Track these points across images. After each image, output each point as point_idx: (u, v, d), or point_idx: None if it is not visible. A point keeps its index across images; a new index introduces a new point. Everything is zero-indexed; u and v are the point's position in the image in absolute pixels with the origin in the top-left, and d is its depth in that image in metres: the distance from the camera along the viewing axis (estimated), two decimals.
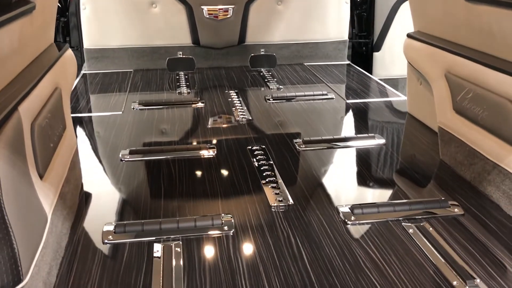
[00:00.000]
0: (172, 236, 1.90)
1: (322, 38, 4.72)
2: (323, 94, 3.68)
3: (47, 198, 1.77)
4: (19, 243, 1.39)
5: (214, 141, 2.84)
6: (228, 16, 4.40)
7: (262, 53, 4.50)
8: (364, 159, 2.67)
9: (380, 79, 4.32)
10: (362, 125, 3.20)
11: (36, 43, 2.26)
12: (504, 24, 2.07)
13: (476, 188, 2.28)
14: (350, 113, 3.42)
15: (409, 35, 3.07)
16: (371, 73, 4.75)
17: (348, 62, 4.79)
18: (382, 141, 2.83)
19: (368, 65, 5.03)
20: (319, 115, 3.34)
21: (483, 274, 1.69)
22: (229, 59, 4.58)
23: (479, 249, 1.84)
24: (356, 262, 1.76)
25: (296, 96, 3.65)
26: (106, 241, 1.89)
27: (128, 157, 2.62)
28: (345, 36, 4.78)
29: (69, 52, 2.69)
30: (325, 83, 4.00)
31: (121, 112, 3.34)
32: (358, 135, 2.89)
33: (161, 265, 1.74)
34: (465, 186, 2.33)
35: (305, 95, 3.65)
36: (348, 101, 3.61)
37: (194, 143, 2.84)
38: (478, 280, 1.65)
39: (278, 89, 3.88)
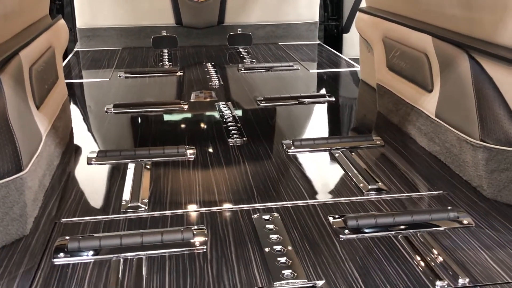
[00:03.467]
0: (145, 160, 2.35)
1: (295, 20, 5.17)
2: (289, 66, 4.13)
3: (42, 124, 2.22)
4: (20, 145, 1.83)
5: (188, 101, 3.29)
6: None
7: (239, 32, 4.95)
8: (312, 110, 3.12)
9: (350, 59, 4.77)
10: (319, 88, 3.65)
11: (34, 10, 2.72)
12: None
13: (401, 129, 2.73)
14: (310, 80, 3.88)
15: (359, 10, 3.52)
16: (341, 53, 5.20)
17: (319, 42, 5.24)
18: (332, 99, 3.28)
19: (339, 46, 5.48)
20: (283, 81, 3.79)
21: (386, 180, 2.15)
22: (209, 38, 5.03)
23: (388, 166, 2.30)
24: (288, 174, 2.22)
25: (265, 67, 4.10)
26: (91, 162, 2.34)
27: (112, 109, 3.06)
28: (316, 18, 5.23)
29: (62, 21, 3.15)
30: (296, 59, 4.45)
31: (108, 79, 3.78)
32: (312, 94, 3.34)
33: (132, 177, 2.18)
34: (393, 128, 2.78)
35: (273, 66, 4.10)
36: (311, 71, 4.06)
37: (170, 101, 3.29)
38: (380, 184, 2.11)
39: (251, 62, 4.33)
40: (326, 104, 3.23)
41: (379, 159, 2.39)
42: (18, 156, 1.81)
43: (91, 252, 1.65)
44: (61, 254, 1.64)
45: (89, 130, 2.87)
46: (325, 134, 2.82)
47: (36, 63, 2.37)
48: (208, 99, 3.31)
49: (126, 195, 2.03)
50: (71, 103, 3.20)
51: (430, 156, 2.40)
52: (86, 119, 3.03)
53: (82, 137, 2.74)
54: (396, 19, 2.90)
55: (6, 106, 1.83)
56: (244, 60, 4.38)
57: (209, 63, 4.25)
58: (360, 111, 3.23)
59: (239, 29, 4.98)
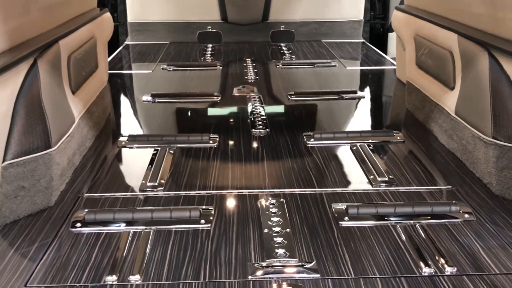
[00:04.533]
0: (171, 145, 2.49)
1: (339, 18, 5.20)
2: (326, 63, 4.18)
3: (76, 107, 2.40)
4: (50, 125, 2.00)
5: (223, 93, 3.41)
6: None
7: (282, 29, 5.04)
8: (340, 105, 3.18)
9: (393, 58, 4.76)
10: (353, 85, 3.69)
11: (80, 3, 2.92)
12: None
13: (424, 126, 2.74)
14: (346, 77, 3.92)
15: (396, 8, 3.53)
16: (386, 52, 5.19)
17: (362, 40, 5.25)
18: (362, 95, 3.31)
19: (384, 45, 5.47)
20: (317, 77, 3.85)
21: (398, 174, 2.19)
22: (253, 35, 5.14)
23: (403, 160, 2.33)
24: (302, 164, 2.30)
25: (302, 63, 4.17)
26: (120, 146, 2.50)
27: (149, 99, 3.23)
28: (360, 17, 5.24)
29: (107, 15, 3.36)
30: (335, 57, 4.49)
31: (151, 71, 3.97)
32: (342, 90, 3.39)
33: (155, 160, 2.32)
34: (418, 125, 2.80)
35: (310, 63, 4.16)
36: (348, 68, 4.10)
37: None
38: (390, 177, 2.15)
39: (291, 59, 4.41)
40: (356, 100, 3.27)
41: (396, 154, 2.42)
42: (48, 135, 1.98)
43: (105, 224, 1.80)
44: (78, 225, 1.79)
45: (125, 116, 3.05)
46: (349, 129, 2.87)
47: (75, 52, 2.56)
48: (244, 94, 3.40)
49: (147, 176, 2.17)
50: (113, 92, 3.40)
51: (448, 153, 2.41)
52: (123, 107, 3.22)
53: (118, 122, 2.92)
54: (427, 17, 2.91)
55: (41, 89, 2.02)
56: (283, 57, 4.46)
57: (248, 59, 4.36)
58: (390, 108, 3.25)
59: (282, 26, 5.06)
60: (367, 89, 3.53)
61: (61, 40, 2.38)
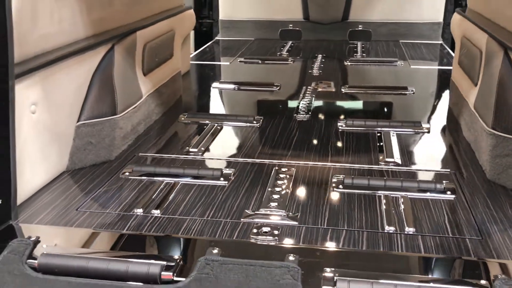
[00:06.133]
0: (221, 122, 2.93)
1: (417, 19, 5.35)
2: (393, 61, 4.40)
3: (145, 86, 2.93)
4: (118, 97, 2.53)
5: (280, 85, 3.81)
6: None
7: (360, 28, 5.30)
8: (385, 99, 3.44)
9: None
10: (410, 83, 3.88)
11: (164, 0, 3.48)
12: None
13: (457, 121, 2.93)
14: (407, 74, 4.12)
15: (456, 10, 3.69)
16: None
17: (441, 42, 5.35)
18: (411, 92, 3.53)
19: None
20: (378, 73, 4.11)
21: (406, 157, 2.45)
22: (332, 33, 5.45)
23: (420, 148, 2.58)
24: (324, 143, 2.65)
25: (369, 60, 4.43)
26: (180, 120, 2.99)
27: (218, 85, 3.72)
28: (440, 19, 5.34)
29: (189, 12, 3.90)
30: (406, 56, 4.67)
31: (228, 63, 4.46)
32: (394, 86, 3.62)
33: (202, 132, 2.78)
34: (452, 120, 3.00)
35: (376, 60, 4.41)
36: (412, 67, 4.29)
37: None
38: (397, 158, 2.42)
39: (362, 56, 4.68)
40: (404, 96, 3.50)
41: (414, 142, 2.67)
42: (115, 105, 2.51)
43: (146, 175, 2.27)
44: (126, 174, 2.29)
45: (194, 99, 3.57)
46: (386, 119, 3.13)
47: (151, 41, 3.09)
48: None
49: (191, 144, 2.63)
50: (191, 78, 3.93)
51: (466, 145, 2.61)
52: (195, 91, 3.74)
53: (186, 103, 3.43)
54: (474, 19, 3.08)
55: (113, 68, 2.55)
56: (355, 54, 4.74)
57: (320, 55, 4.70)
58: (436, 104, 3.42)
59: (360, 26, 5.33)
60: (421, 86, 3.72)
61: (139, 31, 2.91)
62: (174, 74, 3.51)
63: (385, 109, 3.36)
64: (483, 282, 1.51)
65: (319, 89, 3.60)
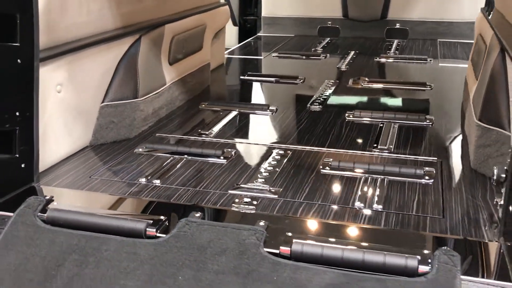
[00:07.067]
0: (237, 109, 3.17)
1: (457, 18, 5.37)
2: (422, 59, 4.48)
3: (169, 74, 3.21)
4: (140, 82, 2.82)
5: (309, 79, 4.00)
6: None
7: (397, 27, 5.39)
8: (401, 94, 3.56)
9: None
10: (432, 80, 3.97)
11: None
12: None
13: (463, 114, 3.03)
14: (431, 72, 4.20)
15: (480, 10, 3.75)
16: None
17: None
18: (429, 88, 3.62)
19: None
20: (403, 70, 4.23)
21: (401, 146, 2.59)
22: (370, 31, 5.57)
23: (416, 138, 2.71)
24: (327, 131, 2.82)
25: (400, 57, 4.53)
26: (201, 107, 3.26)
27: (246, 77, 3.96)
28: None
29: (224, 8, 4.17)
30: (437, 55, 4.72)
31: (262, 57, 4.70)
32: (413, 81, 3.73)
33: (218, 118, 3.02)
34: (458, 115, 3.09)
35: (405, 57, 4.51)
36: (440, 64, 4.36)
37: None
38: (389, 146, 2.57)
39: (395, 54, 4.78)
40: (421, 91, 3.60)
41: (414, 133, 2.79)
42: (137, 89, 2.81)
43: (157, 151, 2.55)
44: (141, 149, 2.58)
45: (221, 88, 3.83)
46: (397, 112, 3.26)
47: (179, 34, 3.38)
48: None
49: (204, 126, 2.89)
50: (222, 71, 4.20)
51: (463, 138, 2.71)
52: (224, 82, 4.01)
53: (212, 91, 3.70)
54: (494, 19, 3.16)
55: (138, 56, 2.85)
56: (388, 52, 4.85)
57: (352, 51, 4.84)
58: (451, 99, 3.49)
59: (397, 24, 5.41)
60: (442, 83, 3.80)
61: (168, 24, 3.21)
62: (202, 65, 3.78)
63: (398, 103, 3.49)
64: (426, 251, 1.66)
65: (341, 82, 3.78)
